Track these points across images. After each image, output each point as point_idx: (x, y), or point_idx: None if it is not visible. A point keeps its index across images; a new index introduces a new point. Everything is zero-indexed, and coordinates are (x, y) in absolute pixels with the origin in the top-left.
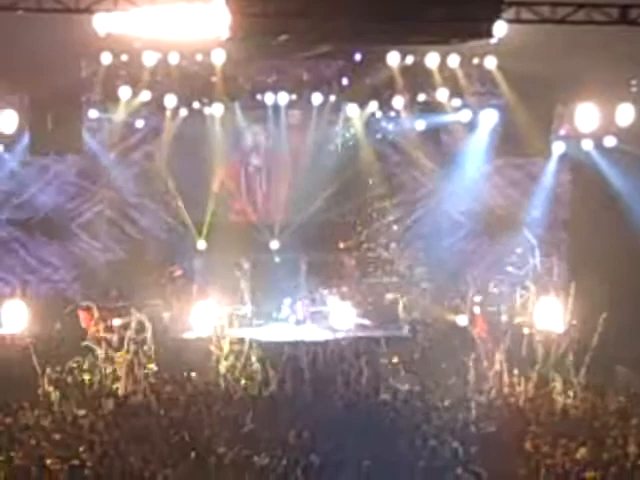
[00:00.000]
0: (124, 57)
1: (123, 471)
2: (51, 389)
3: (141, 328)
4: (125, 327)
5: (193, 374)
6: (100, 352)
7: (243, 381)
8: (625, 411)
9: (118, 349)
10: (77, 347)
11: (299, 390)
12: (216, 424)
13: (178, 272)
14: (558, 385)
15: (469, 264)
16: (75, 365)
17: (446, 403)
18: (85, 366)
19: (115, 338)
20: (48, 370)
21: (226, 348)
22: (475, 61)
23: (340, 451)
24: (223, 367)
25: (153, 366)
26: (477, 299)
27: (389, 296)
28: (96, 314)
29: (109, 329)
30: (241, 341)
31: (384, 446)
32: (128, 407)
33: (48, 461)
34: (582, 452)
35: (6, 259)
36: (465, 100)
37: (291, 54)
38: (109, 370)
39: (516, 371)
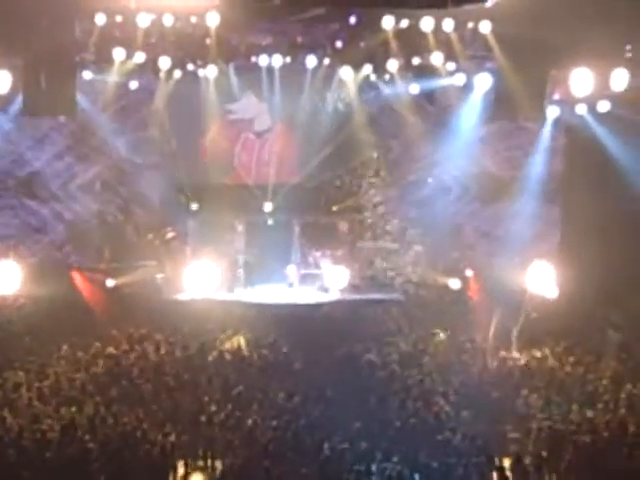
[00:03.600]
0: (118, 18)
1: (116, 431)
2: (44, 350)
3: None
4: None
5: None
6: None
7: (236, 343)
8: (618, 376)
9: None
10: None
11: (291, 352)
12: (208, 386)
13: (171, 234)
14: (551, 349)
15: (462, 227)
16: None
17: (438, 366)
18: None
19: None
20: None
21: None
22: (470, 25)
23: (331, 413)
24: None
25: None
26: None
27: (382, 259)
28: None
29: None
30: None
31: (375, 408)
32: (121, 369)
33: (41, 420)
34: (574, 416)
35: None
36: (459, 64)
37: (285, 16)
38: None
39: (509, 335)
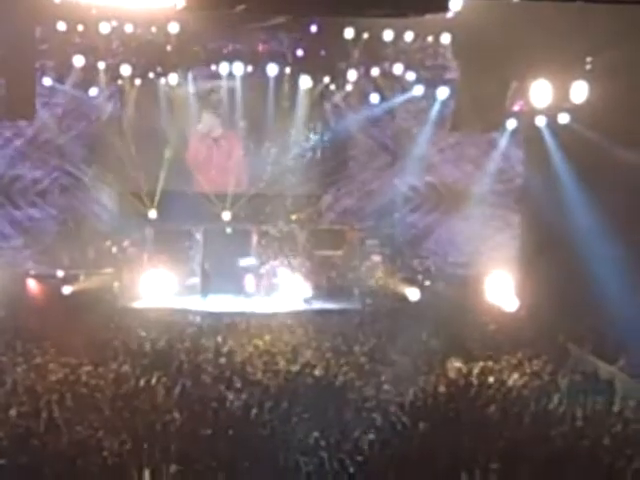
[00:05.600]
0: (80, 26)
1: (71, 439)
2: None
3: None
4: None
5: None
6: None
7: (194, 353)
8: (575, 389)
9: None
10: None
11: (247, 362)
12: (165, 395)
13: (126, 242)
14: (508, 361)
15: (420, 238)
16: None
17: (394, 377)
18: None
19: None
20: None
21: None
22: (430, 38)
23: (287, 423)
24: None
25: None
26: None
27: (340, 269)
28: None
29: None
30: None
31: (332, 418)
32: (77, 377)
33: None
34: (529, 428)
35: None
36: (420, 75)
37: (247, 25)
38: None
39: (467, 346)
